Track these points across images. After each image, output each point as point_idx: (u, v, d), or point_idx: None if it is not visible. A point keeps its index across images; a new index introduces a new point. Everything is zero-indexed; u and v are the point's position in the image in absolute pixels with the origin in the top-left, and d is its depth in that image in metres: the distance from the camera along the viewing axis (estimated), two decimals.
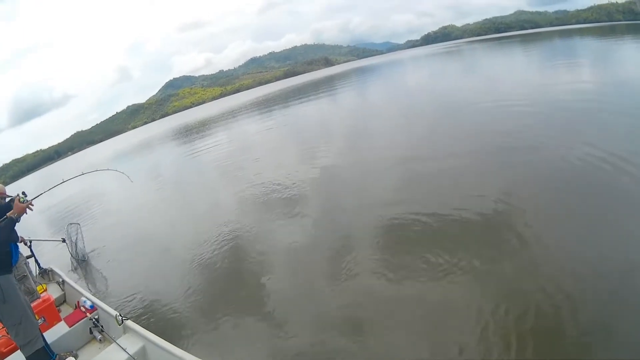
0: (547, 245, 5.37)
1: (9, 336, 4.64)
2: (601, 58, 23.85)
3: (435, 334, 4.31)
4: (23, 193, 4.16)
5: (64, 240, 9.06)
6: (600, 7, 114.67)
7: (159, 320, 6.03)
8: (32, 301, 5.55)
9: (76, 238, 9.17)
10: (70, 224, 9.57)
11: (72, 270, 8.92)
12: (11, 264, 4.28)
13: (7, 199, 4.68)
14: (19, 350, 4.33)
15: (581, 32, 58.43)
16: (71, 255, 9.09)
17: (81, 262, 8.97)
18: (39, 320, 5.02)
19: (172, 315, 6.12)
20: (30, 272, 6.50)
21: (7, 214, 4.05)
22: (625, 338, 3.69)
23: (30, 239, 7.34)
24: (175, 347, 3.91)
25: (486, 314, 4.35)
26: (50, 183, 6.85)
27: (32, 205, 4.24)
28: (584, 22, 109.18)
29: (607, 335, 3.76)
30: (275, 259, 7.04)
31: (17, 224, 4.24)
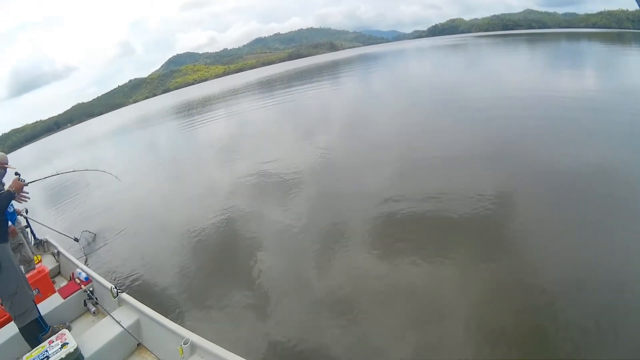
0: (543, 243, 5.51)
1: (2, 307, 4.65)
2: (611, 64, 23.78)
3: (427, 327, 4.41)
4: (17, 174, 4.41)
5: (76, 240, 8.99)
6: (610, 13, 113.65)
7: (155, 294, 6.14)
8: (28, 271, 5.59)
9: (90, 241, 9.16)
10: (86, 231, 9.44)
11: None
12: (7, 232, 4.26)
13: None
14: (12, 322, 4.34)
15: (589, 37, 58.09)
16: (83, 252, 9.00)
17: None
18: (34, 291, 5.05)
19: (167, 289, 6.25)
20: (29, 242, 6.54)
21: (7, 187, 4.25)
22: (624, 338, 3.79)
23: (27, 214, 7.31)
24: (170, 320, 3.96)
25: (479, 311, 4.46)
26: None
27: (27, 186, 4.52)
28: (593, 27, 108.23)
29: (605, 334, 3.86)
30: (270, 242, 7.15)
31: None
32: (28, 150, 79.23)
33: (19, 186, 4.29)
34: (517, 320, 4.20)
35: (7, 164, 5.70)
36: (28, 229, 6.98)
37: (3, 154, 5.79)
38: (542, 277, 4.80)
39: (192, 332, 3.68)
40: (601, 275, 4.67)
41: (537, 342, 3.87)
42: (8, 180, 5.36)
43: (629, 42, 41.45)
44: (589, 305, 4.23)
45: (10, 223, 4.67)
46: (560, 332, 3.96)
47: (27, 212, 7.02)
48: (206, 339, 3.53)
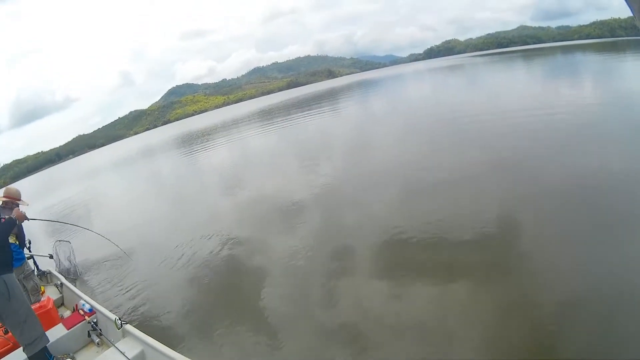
0: (549, 261, 5.36)
1: (4, 337, 4.64)
2: (608, 73, 23.98)
3: (434, 352, 4.26)
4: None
5: (51, 257, 8.81)
6: (602, 23, 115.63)
7: (159, 326, 5.99)
8: (35, 301, 5.62)
9: (68, 256, 8.98)
10: (59, 241, 9.16)
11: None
12: (12, 264, 4.32)
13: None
14: (15, 351, 4.33)
15: (584, 48, 58.83)
16: (60, 273, 8.86)
17: (72, 280, 8.72)
18: None
19: (171, 320, 6.09)
20: (33, 270, 6.52)
21: (11, 215, 4.35)
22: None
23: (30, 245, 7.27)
24: (175, 351, 3.87)
25: (489, 333, 4.35)
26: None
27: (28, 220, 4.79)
28: (587, 38, 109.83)
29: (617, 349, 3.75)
30: (275, 269, 7.02)
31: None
32: (32, 180, 79.68)
33: (21, 216, 4.43)
34: (528, 340, 4.07)
35: (19, 199, 5.80)
36: (31, 260, 6.95)
37: (16, 189, 5.89)
38: (551, 294, 4.69)
39: None
40: (614, 289, 4.55)
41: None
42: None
43: (623, 49, 41.85)
44: (602, 322, 4.11)
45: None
46: (572, 351, 3.86)
47: (30, 243, 6.99)
48: None
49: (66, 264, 8.72)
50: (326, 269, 6.61)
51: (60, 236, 9.82)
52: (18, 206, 5.70)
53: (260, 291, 6.35)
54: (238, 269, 7.45)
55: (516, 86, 24.85)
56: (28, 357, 4.09)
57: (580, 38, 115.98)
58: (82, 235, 11.57)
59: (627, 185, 7.03)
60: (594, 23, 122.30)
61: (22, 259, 5.91)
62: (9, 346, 4.57)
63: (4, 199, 5.61)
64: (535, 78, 28.02)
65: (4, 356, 4.46)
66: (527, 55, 66.51)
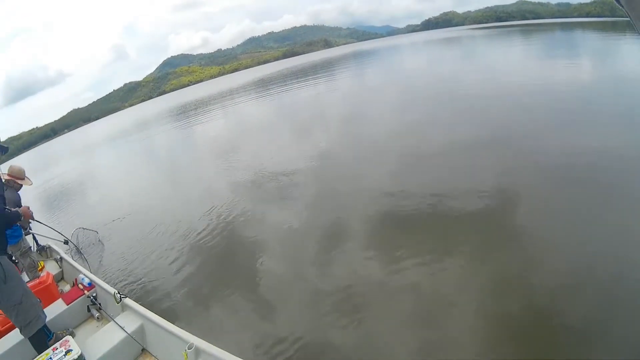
0: (546, 239, 5.42)
1: (4, 315, 4.66)
2: (607, 52, 23.85)
3: (432, 325, 4.35)
4: None
5: (66, 242, 8.59)
6: (603, 2, 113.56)
7: (158, 299, 6.07)
8: (34, 277, 5.63)
9: (89, 245, 8.83)
10: (84, 229, 9.05)
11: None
12: (7, 245, 4.20)
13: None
14: (15, 329, 4.29)
15: (583, 26, 58.06)
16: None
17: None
18: (38, 300, 5.04)
19: (171, 294, 6.16)
20: (30, 247, 6.54)
21: (19, 210, 4.27)
22: (624, 337, 3.74)
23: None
24: (174, 325, 3.90)
25: (480, 307, 4.41)
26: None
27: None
28: (586, 16, 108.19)
29: (605, 334, 3.79)
30: (272, 241, 7.09)
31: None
32: (28, 156, 79.01)
33: (27, 214, 4.43)
34: (522, 316, 4.14)
35: (23, 177, 5.80)
36: (30, 236, 6.96)
37: (20, 167, 5.86)
38: (547, 270, 4.74)
39: (197, 336, 3.61)
40: (610, 268, 4.59)
41: (542, 338, 3.83)
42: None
43: (623, 30, 41.34)
44: (596, 301, 4.16)
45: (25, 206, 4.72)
46: (567, 328, 3.91)
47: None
48: (211, 344, 3.51)
49: (85, 252, 8.69)
50: (325, 239, 6.71)
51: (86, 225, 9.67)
52: (21, 186, 5.73)
53: (260, 262, 6.46)
54: (238, 241, 7.50)
55: (517, 61, 24.52)
56: (29, 338, 4.05)
57: (580, 16, 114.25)
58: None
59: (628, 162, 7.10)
60: (594, 1, 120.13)
61: (19, 236, 5.86)
62: (8, 325, 4.55)
63: (7, 178, 5.62)
64: (537, 55, 27.68)
65: (7, 333, 4.46)
66: (527, 30, 65.52)
